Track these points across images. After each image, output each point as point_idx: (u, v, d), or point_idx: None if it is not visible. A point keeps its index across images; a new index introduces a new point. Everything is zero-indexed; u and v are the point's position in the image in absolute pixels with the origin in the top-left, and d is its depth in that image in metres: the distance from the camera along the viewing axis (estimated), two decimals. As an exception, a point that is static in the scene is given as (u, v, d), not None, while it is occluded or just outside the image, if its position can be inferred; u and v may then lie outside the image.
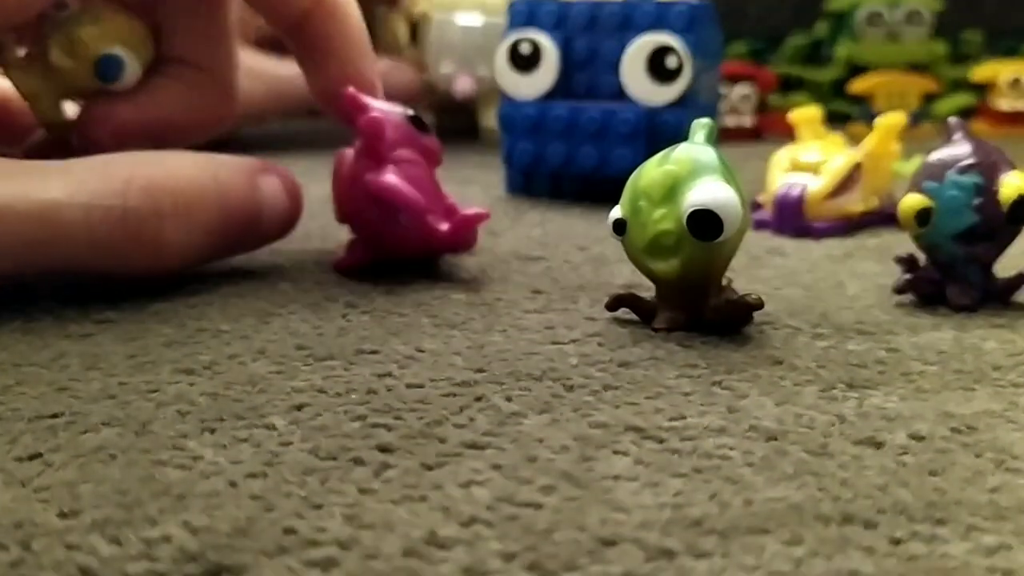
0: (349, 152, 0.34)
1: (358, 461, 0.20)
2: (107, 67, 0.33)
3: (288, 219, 0.34)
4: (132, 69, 0.33)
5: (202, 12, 0.35)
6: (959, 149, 0.29)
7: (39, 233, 0.28)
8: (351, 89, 0.33)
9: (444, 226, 0.32)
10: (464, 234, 0.33)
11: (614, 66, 0.48)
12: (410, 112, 0.34)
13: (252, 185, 0.32)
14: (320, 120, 0.81)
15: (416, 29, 0.70)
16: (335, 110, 0.35)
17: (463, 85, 0.68)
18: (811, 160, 0.42)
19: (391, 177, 0.32)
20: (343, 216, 0.35)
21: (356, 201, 0.33)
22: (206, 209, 0.31)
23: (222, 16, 0.36)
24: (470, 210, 0.33)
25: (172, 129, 0.34)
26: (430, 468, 0.19)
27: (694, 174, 0.26)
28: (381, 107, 0.33)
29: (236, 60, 0.37)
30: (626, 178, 0.28)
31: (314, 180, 0.43)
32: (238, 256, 0.34)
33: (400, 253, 0.34)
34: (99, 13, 0.33)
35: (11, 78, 0.33)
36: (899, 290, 0.31)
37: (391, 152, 0.33)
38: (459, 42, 0.68)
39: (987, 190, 0.29)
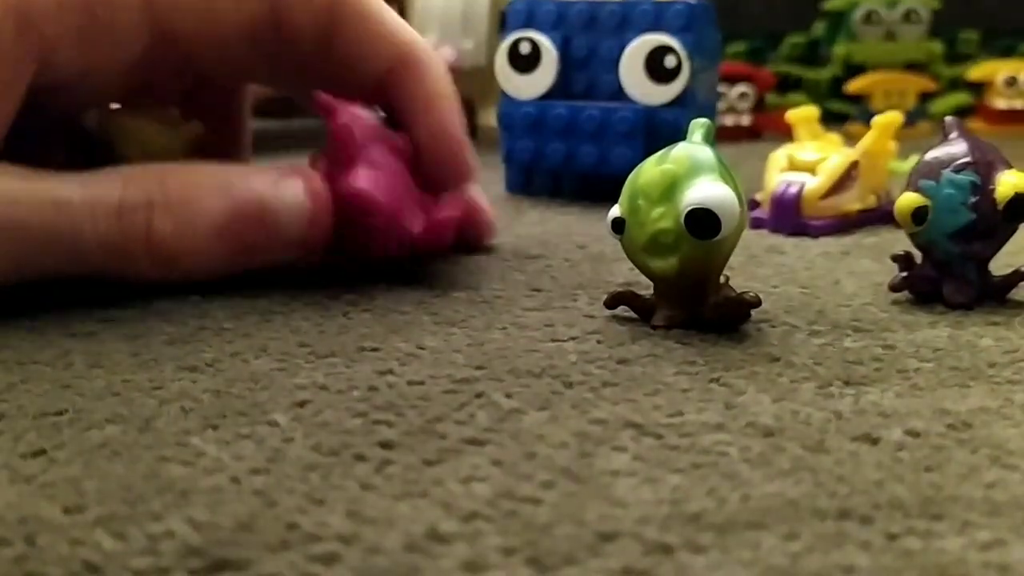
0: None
1: (359, 457, 0.20)
2: None
3: (312, 224, 0.31)
4: None
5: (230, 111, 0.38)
6: (955, 148, 0.30)
7: (50, 224, 0.28)
8: (320, 93, 0.32)
9: (416, 228, 0.32)
10: (437, 235, 0.33)
11: (613, 66, 0.48)
12: (381, 113, 0.34)
13: (266, 185, 0.31)
14: (293, 120, 0.81)
15: (403, 7, 0.70)
16: (427, 168, 0.34)
17: (443, 54, 0.68)
18: (808, 159, 0.43)
19: (361, 182, 0.32)
20: None
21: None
22: (206, 205, 0.30)
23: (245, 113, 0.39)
24: (445, 209, 0.33)
25: None
26: (431, 464, 0.20)
27: (692, 173, 0.26)
28: (352, 109, 0.33)
29: (249, 138, 0.40)
30: (625, 177, 0.28)
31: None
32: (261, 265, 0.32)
33: (376, 254, 0.33)
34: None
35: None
36: (895, 288, 0.31)
37: (362, 154, 0.32)
38: (440, 14, 0.68)
39: (983, 188, 0.29)
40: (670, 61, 0.46)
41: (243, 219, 0.31)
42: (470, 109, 0.75)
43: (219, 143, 0.38)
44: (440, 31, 0.69)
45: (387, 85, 0.34)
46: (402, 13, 0.70)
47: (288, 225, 0.31)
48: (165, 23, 0.31)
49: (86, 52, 0.30)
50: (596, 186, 0.48)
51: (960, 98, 0.82)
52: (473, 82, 0.74)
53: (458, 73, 0.69)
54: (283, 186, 0.31)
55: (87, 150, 0.34)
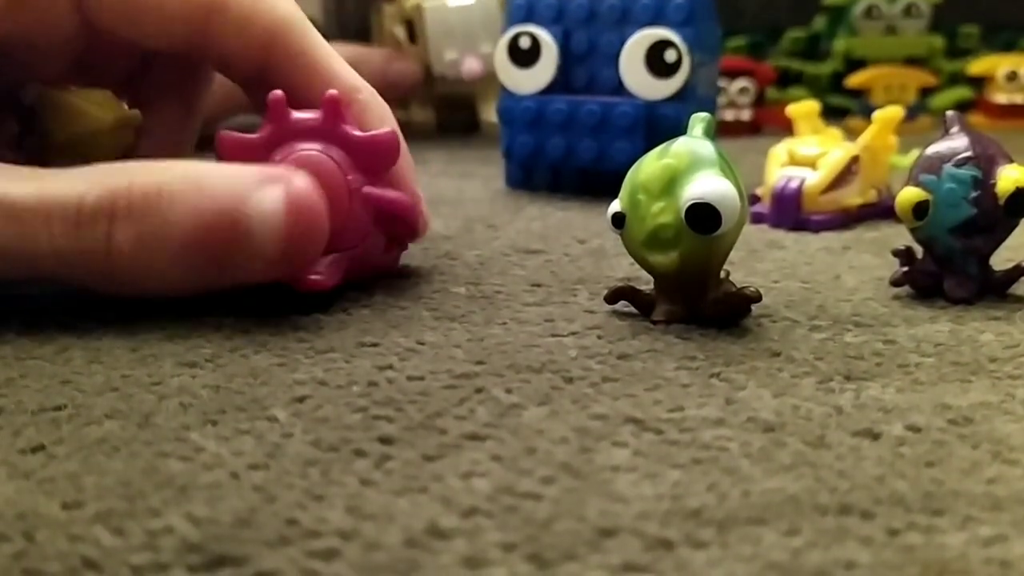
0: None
1: (359, 452, 0.20)
2: None
3: (288, 242, 0.27)
4: None
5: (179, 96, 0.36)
6: (956, 142, 0.29)
7: (2, 233, 0.26)
8: (278, 93, 0.30)
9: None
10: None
11: (613, 60, 0.48)
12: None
13: (241, 196, 0.27)
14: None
15: (413, 26, 0.70)
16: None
17: (471, 66, 0.67)
18: (809, 154, 0.42)
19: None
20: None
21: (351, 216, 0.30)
22: (171, 217, 0.26)
23: (197, 100, 0.37)
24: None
25: None
26: (431, 459, 0.19)
27: (693, 168, 0.26)
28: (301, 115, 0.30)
29: (196, 129, 0.37)
30: (625, 172, 0.28)
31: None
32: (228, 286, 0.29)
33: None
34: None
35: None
36: (896, 283, 0.31)
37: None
38: (456, 25, 0.68)
39: (984, 183, 0.29)
40: (670, 55, 0.46)
41: (212, 233, 0.27)
42: (471, 104, 0.75)
43: (163, 131, 0.36)
44: (460, 44, 0.68)
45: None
46: (414, 33, 0.70)
47: (261, 243, 0.27)
48: (92, 12, 0.31)
49: (14, 19, 0.30)
50: (596, 181, 0.48)
51: (961, 93, 0.82)
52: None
53: (484, 79, 0.69)
54: (259, 195, 0.27)
55: (28, 125, 0.34)
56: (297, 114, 0.30)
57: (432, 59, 0.69)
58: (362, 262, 0.31)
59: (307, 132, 0.30)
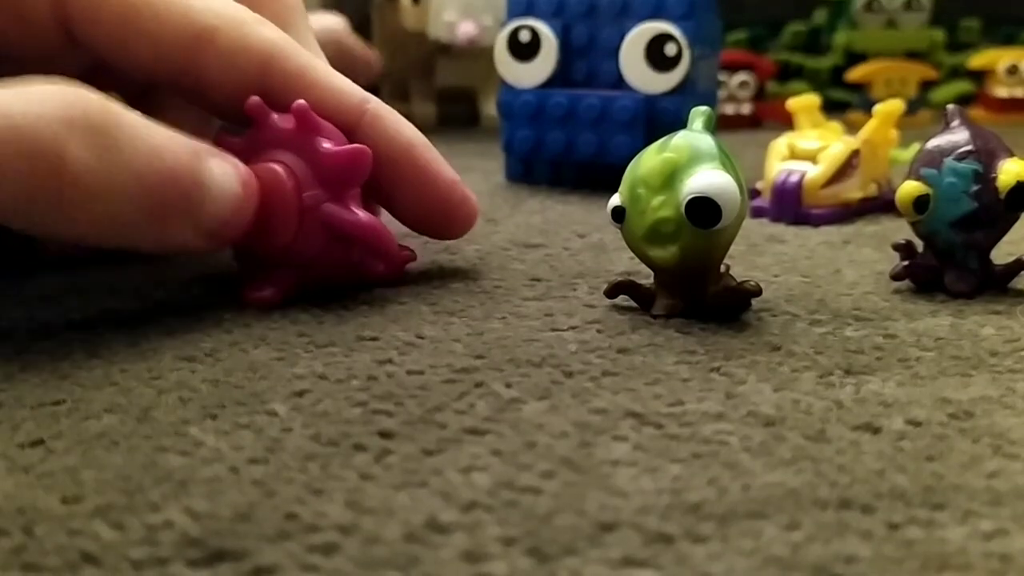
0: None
1: (359, 447, 0.20)
2: None
3: (237, 211, 0.28)
4: None
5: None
6: (957, 136, 0.29)
7: None
8: (255, 99, 0.29)
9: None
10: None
11: (613, 54, 0.48)
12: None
13: (198, 156, 0.27)
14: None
15: None
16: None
17: (466, 30, 0.67)
18: (809, 147, 0.42)
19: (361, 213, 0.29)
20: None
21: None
22: (134, 151, 0.25)
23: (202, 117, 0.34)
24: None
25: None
26: (430, 454, 0.19)
27: (693, 162, 0.26)
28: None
29: None
30: (625, 166, 0.28)
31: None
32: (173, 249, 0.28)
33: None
34: None
35: None
36: (897, 277, 0.31)
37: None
38: None
39: (985, 177, 0.29)
40: (670, 49, 0.46)
41: (171, 182, 0.26)
42: (471, 98, 0.75)
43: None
44: (460, 8, 0.68)
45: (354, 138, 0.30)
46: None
47: (214, 205, 0.27)
48: (86, 36, 0.29)
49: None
50: (596, 175, 0.48)
51: (961, 86, 0.82)
52: (474, 71, 0.74)
53: (478, 50, 0.69)
54: (215, 165, 0.27)
55: None
56: (274, 121, 0.29)
57: (431, 20, 0.69)
58: (318, 276, 0.30)
59: (279, 141, 0.29)
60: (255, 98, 0.29)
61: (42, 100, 0.24)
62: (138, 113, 0.26)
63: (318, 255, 0.29)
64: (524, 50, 0.49)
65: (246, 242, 0.29)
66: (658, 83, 0.47)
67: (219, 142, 0.29)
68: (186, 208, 0.27)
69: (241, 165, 0.28)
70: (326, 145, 0.29)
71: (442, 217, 0.33)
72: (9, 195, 0.24)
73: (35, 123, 0.24)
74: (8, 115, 0.23)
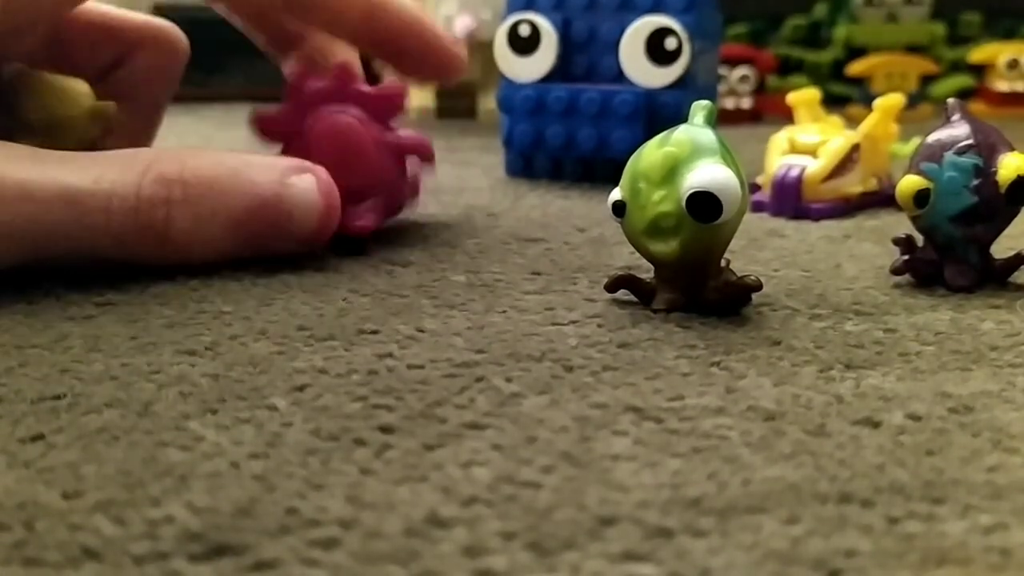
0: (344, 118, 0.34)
1: (359, 441, 0.20)
2: None
3: (323, 221, 0.32)
4: None
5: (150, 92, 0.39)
6: (957, 130, 0.29)
7: (62, 218, 0.28)
8: (298, 68, 0.35)
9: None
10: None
11: (613, 48, 0.48)
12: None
13: (281, 182, 0.31)
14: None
15: None
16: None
17: (463, 23, 0.68)
18: (809, 142, 0.42)
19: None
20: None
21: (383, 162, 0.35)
22: (224, 201, 0.30)
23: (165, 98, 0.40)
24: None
25: None
26: (431, 448, 0.19)
27: (694, 156, 0.26)
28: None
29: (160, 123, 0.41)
30: (625, 160, 0.28)
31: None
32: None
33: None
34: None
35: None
36: (897, 271, 0.31)
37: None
38: None
39: (985, 171, 0.29)
40: (671, 43, 0.46)
41: (259, 215, 0.31)
42: (471, 92, 0.75)
43: (132, 124, 0.39)
44: (459, 1, 0.68)
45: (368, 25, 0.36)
46: None
47: (301, 221, 0.32)
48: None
49: None
50: (596, 169, 0.48)
51: (962, 80, 0.82)
52: (474, 66, 0.74)
53: (477, 44, 0.69)
54: (296, 181, 0.31)
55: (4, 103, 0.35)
56: (311, 84, 0.34)
57: (428, 14, 0.69)
58: (395, 200, 0.36)
59: (325, 96, 0.34)
60: (299, 67, 0.35)
61: (143, 169, 0.30)
62: (221, 153, 0.32)
63: (394, 180, 0.35)
64: (524, 44, 0.49)
65: (337, 183, 0.33)
66: (658, 77, 0.47)
67: (260, 118, 0.34)
68: (276, 231, 0.32)
69: (321, 172, 0.32)
70: (367, 88, 0.34)
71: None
72: (118, 254, 0.30)
73: (141, 191, 0.29)
74: (120, 190, 0.29)
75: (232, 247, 0.31)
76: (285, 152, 0.34)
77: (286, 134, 0.34)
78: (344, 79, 0.34)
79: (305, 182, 0.32)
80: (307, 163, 0.32)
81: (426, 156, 0.36)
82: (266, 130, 0.34)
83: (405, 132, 0.35)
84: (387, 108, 0.34)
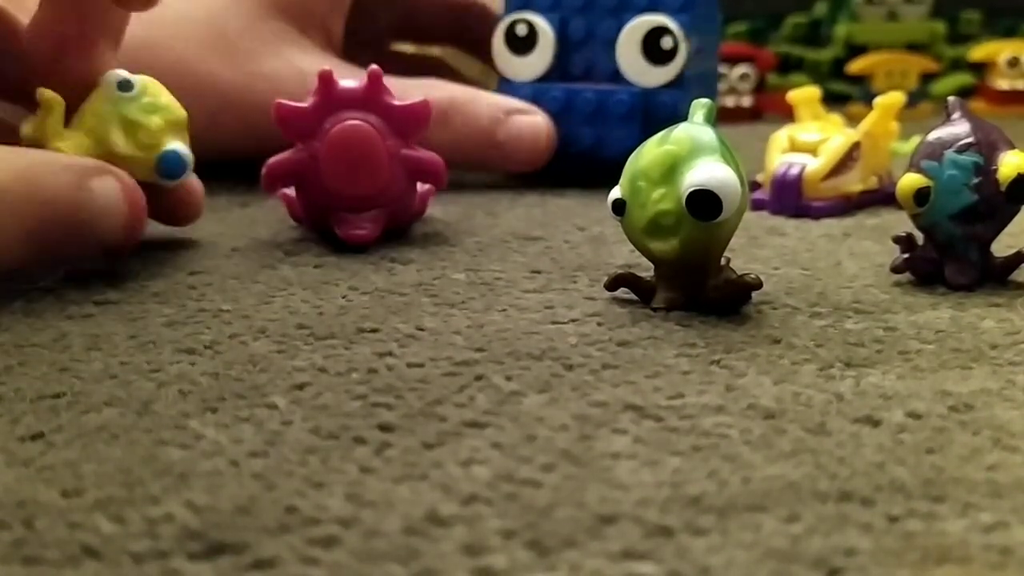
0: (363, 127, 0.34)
1: (359, 440, 0.20)
2: (171, 164, 0.32)
3: (128, 226, 0.30)
4: (190, 166, 0.33)
5: None
6: (958, 128, 0.29)
7: None
8: (326, 68, 0.34)
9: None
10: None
11: (610, 47, 0.48)
12: None
13: (79, 187, 0.29)
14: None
15: None
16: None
17: None
18: (810, 140, 0.42)
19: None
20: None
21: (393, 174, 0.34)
22: (14, 210, 0.28)
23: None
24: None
25: None
26: (430, 447, 0.19)
27: (693, 154, 0.26)
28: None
29: None
30: (622, 159, 0.28)
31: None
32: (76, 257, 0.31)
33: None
34: (159, 100, 0.33)
35: (56, 148, 0.31)
36: (897, 269, 0.31)
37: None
38: None
39: (986, 169, 0.29)
40: (667, 42, 0.46)
41: (55, 224, 0.29)
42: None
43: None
44: None
45: None
46: None
47: (103, 228, 0.29)
48: None
49: None
50: (594, 168, 0.48)
51: (962, 79, 0.82)
52: (473, 63, 0.74)
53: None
54: (95, 186, 0.29)
55: None
56: (343, 84, 0.34)
57: None
58: (400, 215, 0.36)
59: (351, 101, 0.34)
60: (326, 68, 0.34)
61: None
62: (8, 156, 0.29)
63: (401, 195, 0.35)
64: (521, 44, 0.49)
65: (343, 189, 0.34)
66: (655, 76, 0.46)
67: (282, 107, 0.34)
68: (76, 239, 0.29)
69: (122, 174, 0.30)
70: (394, 101, 0.34)
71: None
72: None
73: None
74: None
75: (28, 257, 0.29)
76: (299, 147, 0.34)
77: (305, 128, 0.34)
78: (374, 86, 0.34)
79: (107, 187, 0.29)
80: (107, 165, 0.30)
81: (437, 180, 0.36)
82: (286, 120, 0.34)
83: (424, 151, 0.35)
84: (410, 123, 0.34)
